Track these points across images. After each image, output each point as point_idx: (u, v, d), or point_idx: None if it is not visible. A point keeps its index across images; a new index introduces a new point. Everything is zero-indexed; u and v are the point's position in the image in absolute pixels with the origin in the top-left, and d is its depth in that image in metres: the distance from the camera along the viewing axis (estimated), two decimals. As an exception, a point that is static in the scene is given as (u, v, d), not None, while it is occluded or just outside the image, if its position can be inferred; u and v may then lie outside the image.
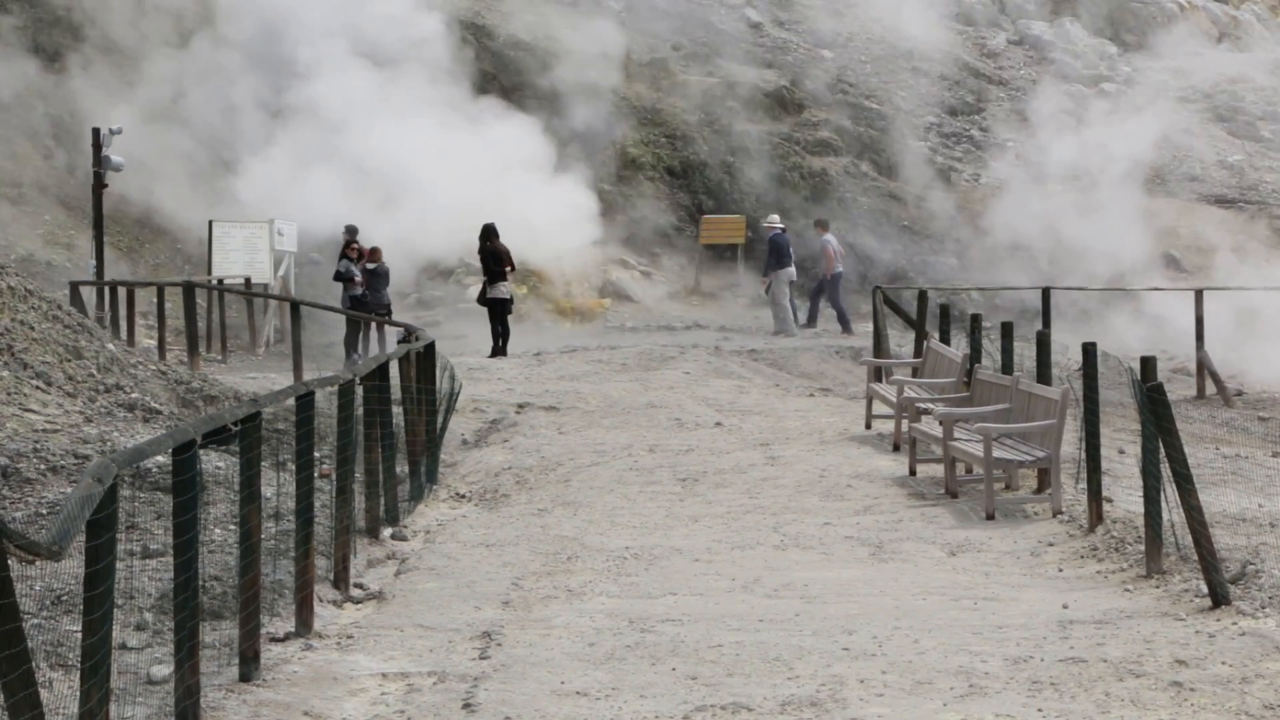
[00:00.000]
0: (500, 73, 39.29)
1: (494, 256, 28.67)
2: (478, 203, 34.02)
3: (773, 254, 32.70)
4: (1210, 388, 28.21)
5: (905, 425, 18.38)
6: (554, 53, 39.48)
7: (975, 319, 19.63)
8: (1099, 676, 9.55)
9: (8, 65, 36.35)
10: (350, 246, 30.04)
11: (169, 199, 35.50)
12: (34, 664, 6.54)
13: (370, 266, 29.86)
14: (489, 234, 28.87)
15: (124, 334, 27.13)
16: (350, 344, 28.88)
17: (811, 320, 33.06)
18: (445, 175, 34.99)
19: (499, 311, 28.64)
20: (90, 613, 7.30)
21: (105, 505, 7.18)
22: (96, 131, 30.63)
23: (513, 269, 29.09)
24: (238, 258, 32.90)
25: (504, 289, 28.65)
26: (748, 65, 42.15)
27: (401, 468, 16.24)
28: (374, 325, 28.81)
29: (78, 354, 17.08)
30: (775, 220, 33.58)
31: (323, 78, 36.49)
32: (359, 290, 29.60)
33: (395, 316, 29.71)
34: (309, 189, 34.68)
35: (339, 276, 29.97)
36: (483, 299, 29.11)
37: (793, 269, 32.79)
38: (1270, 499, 15.77)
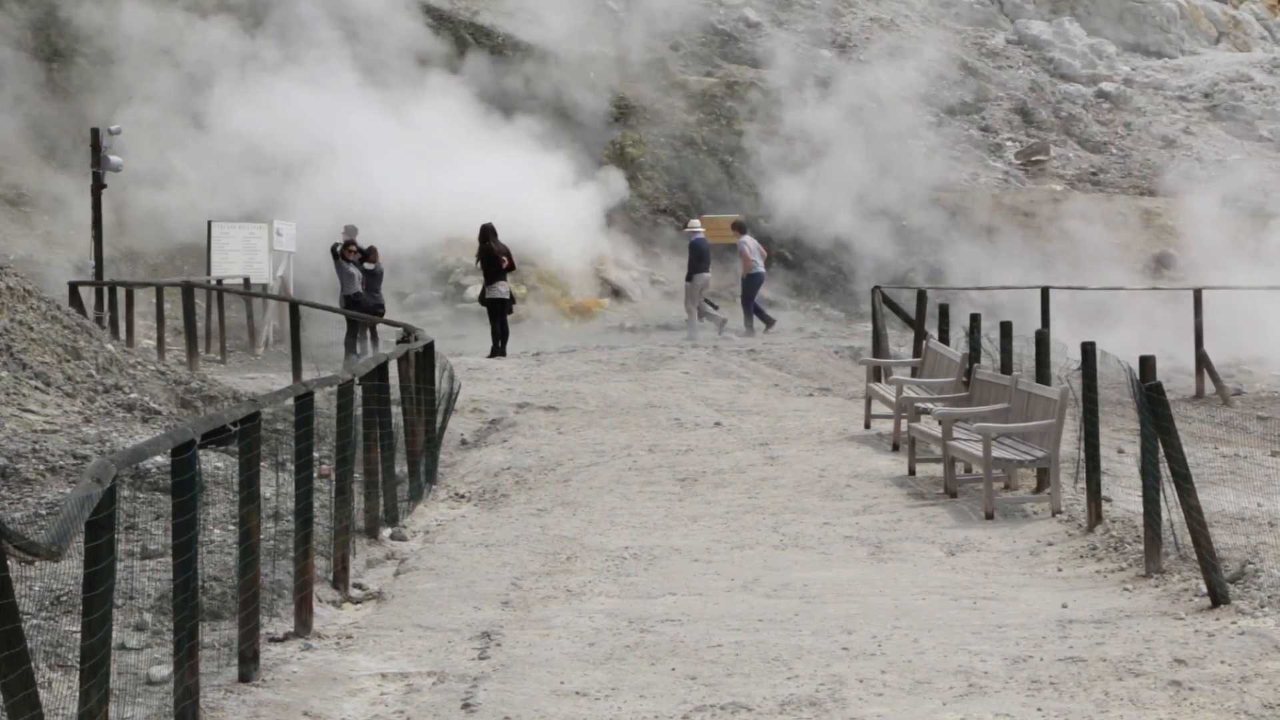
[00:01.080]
0: (501, 74, 39.28)
1: (491, 257, 28.67)
2: (476, 202, 34.12)
3: (694, 258, 32.56)
4: (1209, 387, 28.23)
5: (904, 425, 18.38)
6: (555, 52, 39.50)
7: (974, 319, 19.63)
8: (1098, 676, 9.55)
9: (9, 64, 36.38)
10: (350, 247, 29.94)
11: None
12: (33, 664, 6.54)
13: (369, 268, 29.84)
14: (487, 234, 28.90)
15: (123, 334, 27.12)
16: (350, 344, 28.86)
17: (766, 321, 32.98)
18: (439, 173, 35.04)
19: (498, 311, 28.65)
20: (89, 613, 7.29)
21: (104, 506, 7.18)
22: (96, 132, 30.63)
23: (512, 268, 29.09)
24: (236, 258, 32.89)
25: (502, 289, 28.65)
26: (747, 65, 42.15)
27: (401, 468, 16.24)
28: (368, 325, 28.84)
29: (77, 354, 17.07)
30: (696, 225, 33.44)
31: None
32: (357, 290, 29.55)
33: (394, 317, 29.78)
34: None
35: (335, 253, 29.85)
36: (483, 299, 29.17)
37: (702, 275, 32.56)
38: (1269, 498, 15.77)
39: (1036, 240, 38.74)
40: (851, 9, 45.93)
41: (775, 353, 28.14)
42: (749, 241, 33.48)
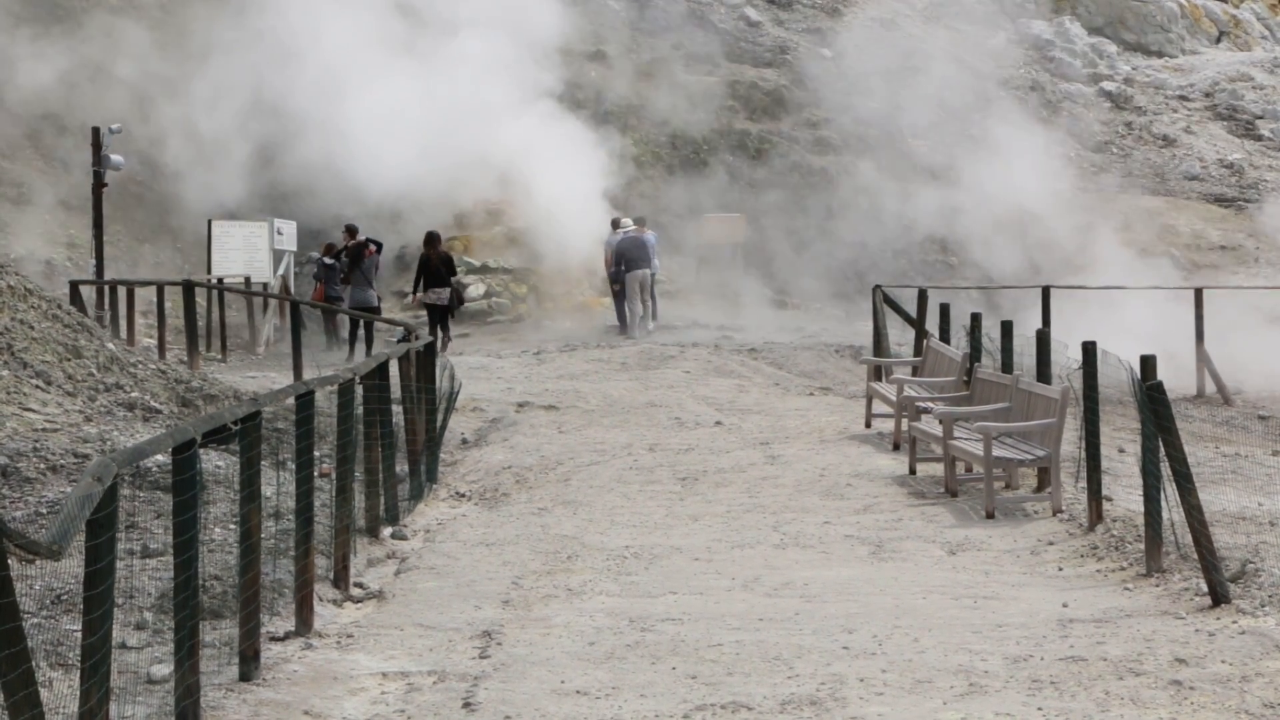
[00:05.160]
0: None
1: (426, 263, 29.51)
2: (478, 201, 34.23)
3: (629, 257, 32.68)
4: (1210, 386, 28.22)
5: (905, 424, 18.38)
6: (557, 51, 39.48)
7: (975, 318, 19.62)
8: (1099, 675, 9.55)
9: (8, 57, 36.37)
10: (368, 246, 30.35)
11: None
12: (34, 663, 6.54)
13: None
14: (431, 241, 29.89)
15: (124, 333, 27.13)
16: (354, 338, 29.31)
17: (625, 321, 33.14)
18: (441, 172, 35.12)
19: (437, 315, 29.12)
20: (90, 612, 7.29)
21: (105, 504, 7.18)
22: (96, 130, 30.63)
23: (453, 273, 30.05)
24: (237, 257, 32.91)
25: (433, 296, 29.38)
26: (747, 65, 42.14)
27: (401, 467, 16.24)
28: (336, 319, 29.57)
29: (77, 353, 17.07)
30: (628, 223, 33.53)
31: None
32: (371, 294, 30.22)
33: (394, 315, 30.22)
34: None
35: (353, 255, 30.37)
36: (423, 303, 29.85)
37: (644, 271, 32.62)
38: (1270, 497, 15.77)
39: (1037, 239, 38.74)
40: (852, 8, 45.94)
41: (776, 352, 28.15)
42: (614, 239, 33.43)
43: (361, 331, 29.29)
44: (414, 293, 30.29)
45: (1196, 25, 50.81)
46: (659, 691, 9.47)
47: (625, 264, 32.37)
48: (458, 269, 31.80)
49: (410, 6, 37.20)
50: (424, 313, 29.95)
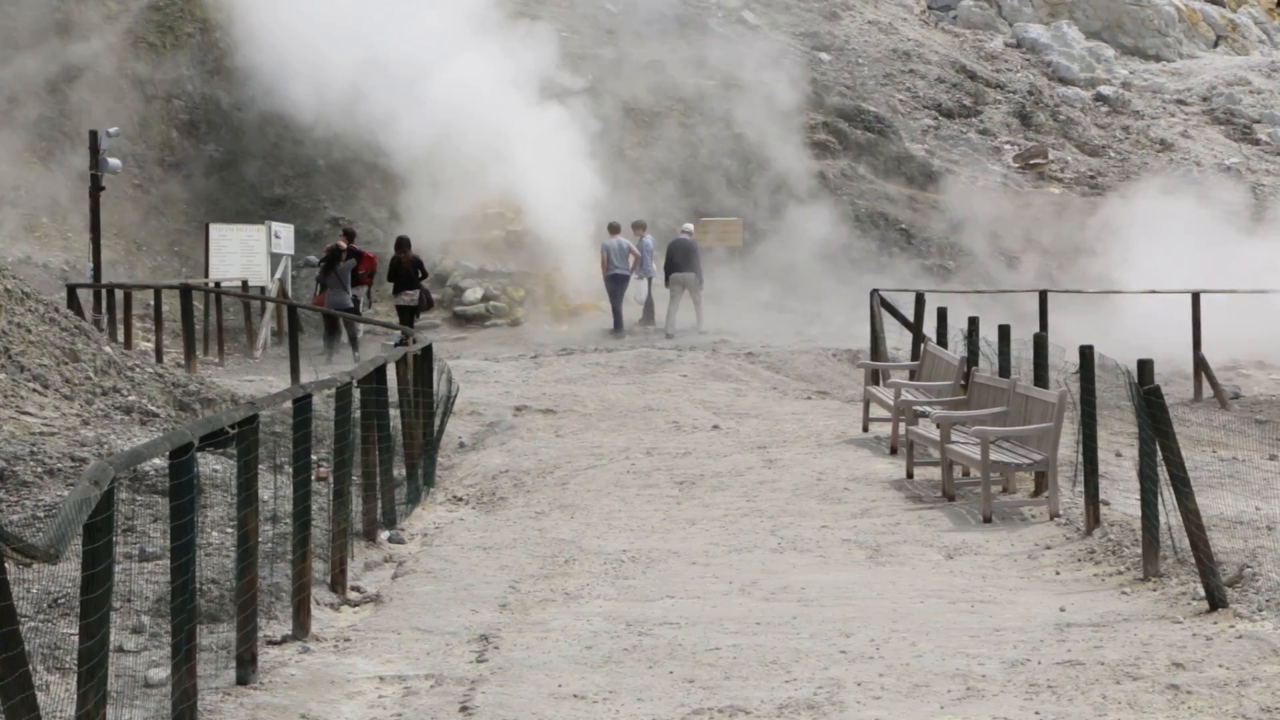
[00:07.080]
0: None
1: (396, 267, 30.15)
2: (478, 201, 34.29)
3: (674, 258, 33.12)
4: (1207, 390, 28.22)
5: (902, 428, 18.39)
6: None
7: (973, 322, 19.63)
8: (1096, 679, 9.56)
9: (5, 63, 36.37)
10: (343, 254, 30.58)
11: None
12: (31, 667, 6.54)
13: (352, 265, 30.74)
14: (401, 245, 30.54)
15: (121, 337, 27.13)
16: (338, 338, 29.56)
17: (616, 324, 33.34)
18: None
19: (406, 317, 29.75)
20: (87, 616, 7.29)
21: (102, 508, 7.18)
22: (94, 134, 30.62)
23: (425, 276, 30.75)
24: (234, 260, 32.92)
25: (406, 298, 30.14)
26: (747, 67, 42.17)
27: (399, 471, 16.23)
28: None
29: (75, 357, 17.07)
30: (689, 227, 34.22)
31: None
32: (350, 298, 30.46)
33: (386, 318, 30.64)
34: None
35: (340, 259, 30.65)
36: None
37: (689, 274, 32.96)
38: (1267, 502, 15.77)
39: (1036, 242, 38.79)
40: (850, 11, 45.96)
41: (773, 356, 28.14)
42: (610, 243, 33.55)
43: (345, 333, 29.67)
44: (395, 295, 30.86)
45: (1194, 29, 50.85)
46: (656, 695, 9.47)
47: (672, 267, 33.02)
48: (455, 273, 31.90)
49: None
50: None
